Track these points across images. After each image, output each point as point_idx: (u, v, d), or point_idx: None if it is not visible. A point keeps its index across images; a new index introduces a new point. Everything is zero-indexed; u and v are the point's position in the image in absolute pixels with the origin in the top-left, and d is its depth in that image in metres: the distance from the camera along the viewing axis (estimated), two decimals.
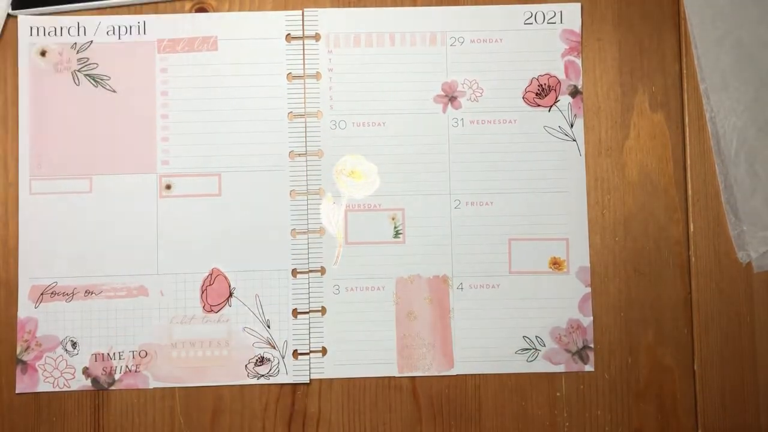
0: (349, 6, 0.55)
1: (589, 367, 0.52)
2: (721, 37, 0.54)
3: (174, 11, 0.55)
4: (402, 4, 0.55)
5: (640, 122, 0.55)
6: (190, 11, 0.55)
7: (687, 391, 0.53)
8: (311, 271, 0.53)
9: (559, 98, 0.54)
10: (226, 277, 0.53)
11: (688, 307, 0.53)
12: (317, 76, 0.55)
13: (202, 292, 0.53)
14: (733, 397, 0.53)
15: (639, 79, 0.55)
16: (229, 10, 0.55)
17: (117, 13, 0.55)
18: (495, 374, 0.53)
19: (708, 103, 0.54)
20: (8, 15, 0.54)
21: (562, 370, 0.52)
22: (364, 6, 0.55)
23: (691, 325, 0.53)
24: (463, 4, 0.55)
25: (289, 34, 0.55)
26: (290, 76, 0.55)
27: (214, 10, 0.55)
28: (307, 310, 0.53)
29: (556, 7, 0.55)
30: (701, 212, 0.54)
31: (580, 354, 0.52)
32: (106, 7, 0.55)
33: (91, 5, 0.55)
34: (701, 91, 0.55)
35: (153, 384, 0.52)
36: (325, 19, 0.55)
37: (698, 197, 0.54)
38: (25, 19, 0.54)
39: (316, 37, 0.55)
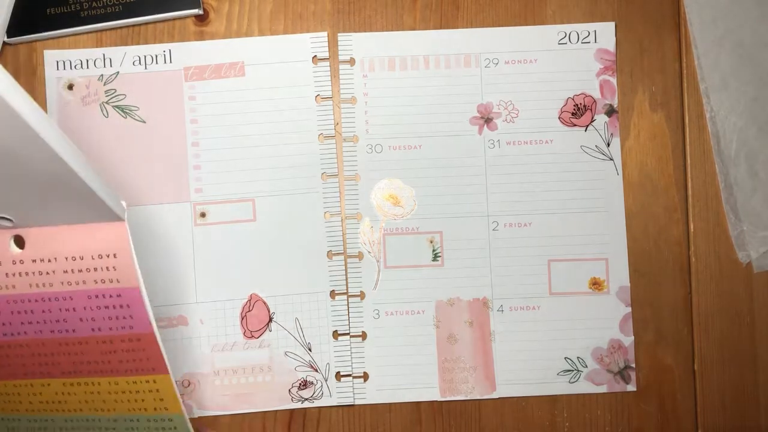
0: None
1: (631, 387, 0.53)
2: (721, 37, 0.54)
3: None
4: (436, 27, 0.54)
5: (640, 122, 0.54)
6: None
7: (687, 391, 0.54)
8: (351, 295, 0.54)
9: (595, 117, 0.54)
10: (265, 302, 0.53)
11: (688, 307, 0.54)
12: (352, 100, 0.54)
13: (242, 319, 0.53)
14: (733, 397, 0.54)
15: (639, 79, 0.55)
16: (229, 11, 0.54)
17: (142, 43, 0.54)
18: None
19: (708, 103, 0.54)
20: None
21: (605, 391, 0.53)
22: (392, 30, 0.54)
23: (691, 325, 0.54)
24: (497, 26, 0.54)
25: (315, 56, 0.54)
26: (319, 98, 0.54)
27: (214, 11, 0.54)
28: (348, 332, 0.54)
29: (590, 26, 0.54)
30: (701, 212, 0.54)
31: (622, 374, 0.53)
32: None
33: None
34: (701, 91, 0.54)
35: (197, 413, 0.53)
36: (359, 43, 0.54)
37: (698, 197, 0.54)
38: (51, 53, 0.53)
39: (351, 61, 0.54)
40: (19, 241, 0.39)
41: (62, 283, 0.40)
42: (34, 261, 0.39)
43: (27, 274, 0.39)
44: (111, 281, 0.39)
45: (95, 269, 0.39)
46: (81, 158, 0.34)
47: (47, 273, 0.39)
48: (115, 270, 0.39)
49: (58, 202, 0.37)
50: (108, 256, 0.39)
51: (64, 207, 0.37)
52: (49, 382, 0.43)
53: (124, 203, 0.39)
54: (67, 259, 0.39)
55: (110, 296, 0.40)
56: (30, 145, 0.31)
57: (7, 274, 0.39)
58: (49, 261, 0.39)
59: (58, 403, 0.44)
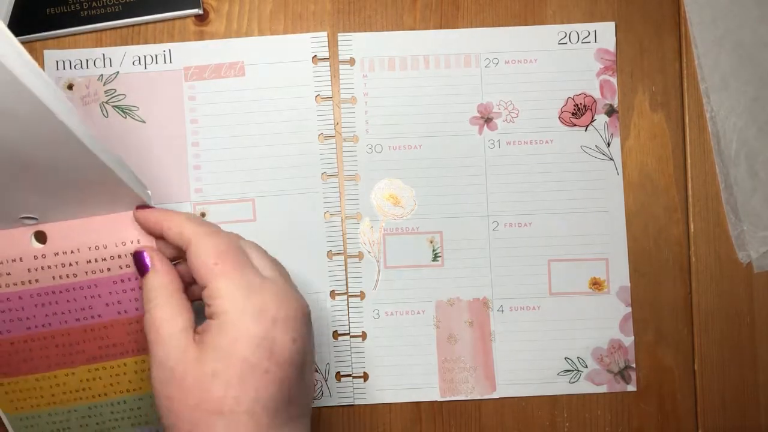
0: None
1: (631, 387, 0.53)
2: (721, 37, 0.54)
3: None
4: (436, 27, 0.54)
5: (640, 122, 0.54)
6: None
7: (687, 391, 0.54)
8: (351, 295, 0.54)
9: (595, 117, 0.54)
10: None
11: (688, 307, 0.54)
12: (352, 100, 0.54)
13: None
14: (733, 397, 0.54)
15: (639, 79, 0.55)
16: (229, 11, 0.54)
17: (142, 43, 0.54)
18: None
19: (708, 103, 0.54)
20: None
21: (605, 391, 0.53)
22: (392, 30, 0.54)
23: (691, 325, 0.54)
24: (497, 26, 0.54)
25: (315, 56, 0.54)
26: (319, 98, 0.54)
27: (214, 11, 0.54)
28: (348, 332, 0.54)
29: (590, 26, 0.54)
30: (701, 212, 0.54)
31: (622, 374, 0.53)
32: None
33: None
34: (701, 91, 0.54)
35: None
36: (359, 43, 0.54)
37: (698, 197, 0.54)
38: (51, 53, 0.53)
39: (351, 61, 0.54)
40: (40, 236, 0.40)
41: (86, 272, 0.40)
42: (56, 254, 0.40)
43: (50, 267, 0.40)
44: None
45: (119, 256, 0.40)
46: (110, 151, 0.34)
47: (70, 264, 0.40)
48: None
49: (85, 196, 0.37)
50: (132, 242, 0.40)
51: (91, 200, 0.38)
52: (74, 371, 0.43)
53: (149, 191, 0.39)
54: (90, 249, 0.39)
55: (136, 278, 0.40)
56: (63, 145, 0.31)
57: (29, 269, 0.40)
58: (72, 253, 0.40)
59: (82, 390, 0.44)
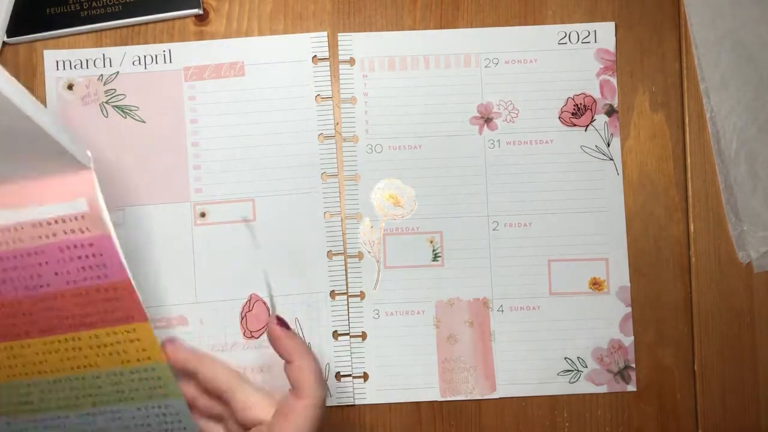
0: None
1: (631, 387, 0.53)
2: (721, 37, 0.54)
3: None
4: (436, 27, 0.54)
5: (640, 122, 0.54)
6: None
7: (687, 391, 0.54)
8: (351, 295, 0.54)
9: (595, 117, 0.54)
10: (264, 303, 0.53)
11: (688, 307, 0.54)
12: (352, 100, 0.54)
13: (242, 319, 0.53)
14: (733, 397, 0.54)
15: (639, 79, 0.55)
16: (229, 11, 0.54)
17: (142, 43, 0.54)
18: None
19: (708, 103, 0.54)
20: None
21: (605, 391, 0.53)
22: (392, 30, 0.54)
23: (691, 325, 0.54)
24: (497, 26, 0.54)
25: (315, 56, 0.54)
26: (319, 98, 0.54)
27: (214, 11, 0.54)
28: (347, 332, 0.54)
29: (590, 26, 0.54)
30: (701, 212, 0.54)
31: (622, 374, 0.53)
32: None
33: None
34: (701, 91, 0.54)
35: None
36: (359, 43, 0.54)
37: (698, 197, 0.54)
38: (51, 53, 0.54)
39: (351, 61, 0.54)
40: None
41: (32, 237, 0.39)
42: None
43: None
44: (81, 231, 0.39)
45: (64, 221, 0.39)
46: (43, 110, 0.34)
47: (15, 230, 0.39)
48: (83, 219, 0.39)
49: (23, 159, 0.37)
50: (76, 206, 0.39)
51: (28, 161, 0.37)
52: (29, 343, 0.42)
53: (89, 153, 0.39)
54: (32, 212, 0.39)
55: (82, 245, 0.40)
56: None
57: None
58: (15, 217, 0.39)
59: (39, 363, 0.43)
